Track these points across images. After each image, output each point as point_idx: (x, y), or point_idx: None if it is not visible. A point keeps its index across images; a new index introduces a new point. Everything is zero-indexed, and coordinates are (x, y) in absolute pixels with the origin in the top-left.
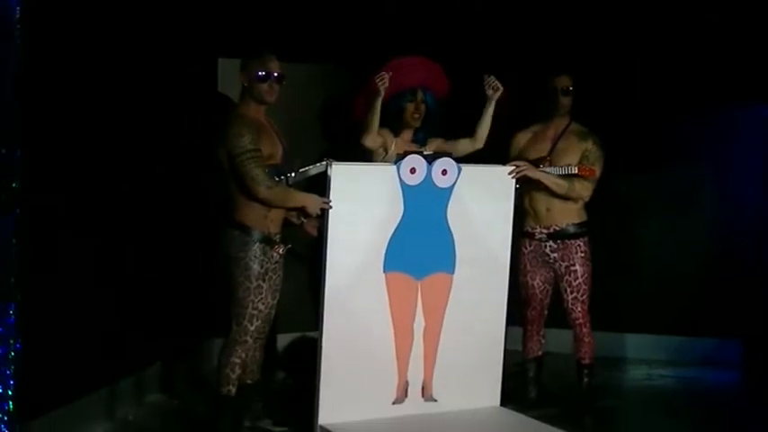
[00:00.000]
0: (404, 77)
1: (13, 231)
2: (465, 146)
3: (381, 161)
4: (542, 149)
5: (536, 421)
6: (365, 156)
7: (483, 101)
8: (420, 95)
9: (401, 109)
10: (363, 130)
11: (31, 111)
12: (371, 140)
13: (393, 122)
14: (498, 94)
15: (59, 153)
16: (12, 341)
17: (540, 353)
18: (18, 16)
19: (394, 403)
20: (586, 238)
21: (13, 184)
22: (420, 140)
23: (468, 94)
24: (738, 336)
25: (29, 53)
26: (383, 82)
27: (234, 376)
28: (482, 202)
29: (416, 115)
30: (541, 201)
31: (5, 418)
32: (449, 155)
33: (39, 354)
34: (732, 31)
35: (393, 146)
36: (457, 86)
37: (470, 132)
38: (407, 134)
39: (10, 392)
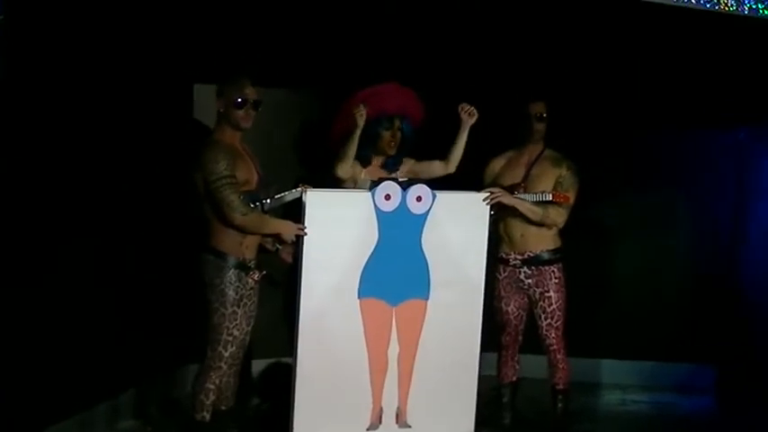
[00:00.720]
0: (382, 104)
1: None
2: (437, 168)
3: None
4: (517, 176)
5: None
6: (340, 182)
7: (456, 126)
8: (397, 123)
9: (377, 136)
10: (338, 159)
11: (6, 133)
12: (344, 170)
13: (367, 148)
14: (473, 120)
15: (32, 178)
16: None
17: (514, 378)
18: None
19: (368, 429)
20: (561, 265)
21: None
22: (390, 166)
23: (442, 120)
24: (712, 361)
25: (5, 75)
26: (361, 114)
27: (208, 402)
28: (457, 228)
29: (392, 143)
30: (516, 227)
31: None
32: (423, 181)
33: (9, 381)
34: (703, 56)
35: (362, 175)
36: (431, 112)
37: (443, 155)
38: (378, 160)
39: None
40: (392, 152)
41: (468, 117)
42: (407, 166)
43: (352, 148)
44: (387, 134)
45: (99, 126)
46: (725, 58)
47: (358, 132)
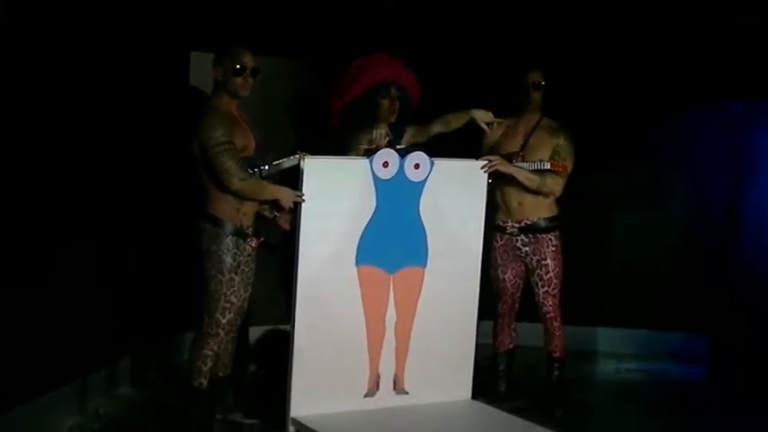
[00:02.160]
0: (372, 73)
1: None
2: (437, 127)
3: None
4: (514, 144)
5: (507, 414)
6: (338, 149)
7: (452, 97)
8: (393, 91)
9: (376, 105)
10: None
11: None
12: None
13: (368, 118)
14: (483, 127)
15: (30, 147)
16: None
17: (511, 346)
18: None
19: (366, 396)
20: (557, 233)
21: None
22: (396, 135)
23: (440, 90)
24: (705, 331)
25: None
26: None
27: (206, 369)
28: (454, 196)
29: (392, 110)
30: (513, 195)
31: None
32: (421, 148)
33: (6, 347)
34: (701, 27)
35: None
36: (428, 83)
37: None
38: (383, 129)
39: None
40: (392, 119)
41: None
42: (410, 133)
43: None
44: (385, 102)
45: (96, 94)
46: (724, 29)
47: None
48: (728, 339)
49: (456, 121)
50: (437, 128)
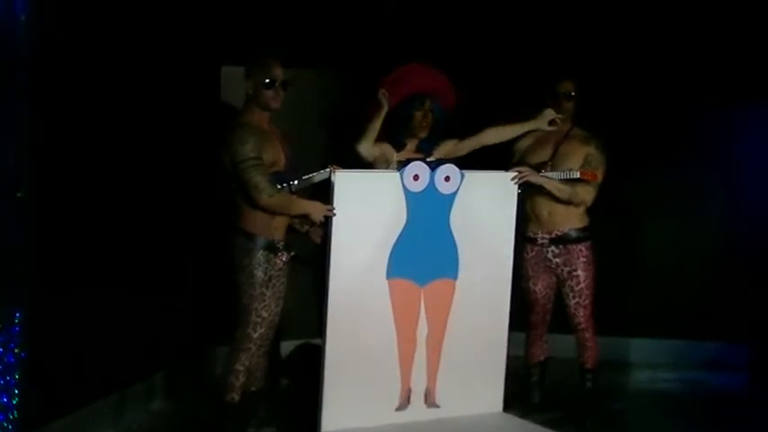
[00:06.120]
0: (411, 85)
1: (21, 238)
2: (485, 139)
3: None
4: (544, 154)
5: (539, 426)
6: (369, 163)
7: (483, 107)
8: (428, 104)
9: (409, 117)
10: (361, 137)
11: (37, 120)
12: (366, 149)
13: (400, 131)
14: (549, 129)
15: (67, 161)
16: (17, 350)
17: (543, 357)
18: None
19: (397, 410)
20: (589, 243)
21: (19, 194)
22: (426, 149)
23: (473, 101)
24: (744, 339)
25: (34, 62)
26: (385, 95)
27: (238, 383)
28: (485, 207)
29: (424, 124)
30: (544, 206)
31: (10, 427)
32: (451, 161)
33: (44, 361)
34: (734, 31)
35: (395, 158)
36: (458, 93)
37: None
38: (412, 144)
39: (15, 401)
40: (424, 134)
41: (548, 125)
42: (448, 146)
43: (376, 127)
44: (418, 114)
45: (129, 110)
46: (757, 33)
47: (383, 112)
48: None
49: (509, 132)
50: (487, 139)
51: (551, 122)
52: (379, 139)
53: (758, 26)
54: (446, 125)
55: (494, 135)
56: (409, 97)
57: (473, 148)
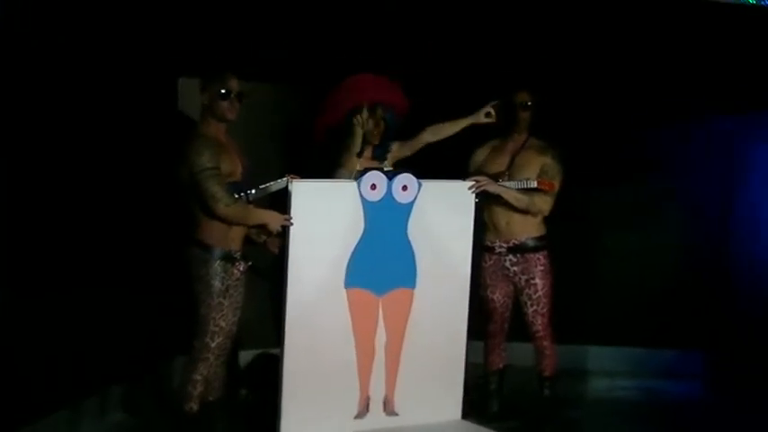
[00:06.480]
0: (361, 94)
1: None
2: (426, 137)
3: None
4: (501, 164)
5: None
6: (326, 173)
7: (438, 117)
8: (379, 112)
9: (360, 126)
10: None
11: None
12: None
13: (353, 139)
14: (486, 121)
15: (19, 174)
16: None
17: (501, 366)
18: None
19: (356, 418)
20: (546, 252)
21: None
22: (379, 156)
23: (428, 110)
24: (701, 347)
25: None
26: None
27: (196, 393)
28: (442, 216)
29: (376, 132)
30: (501, 215)
31: None
32: (408, 170)
33: None
34: (690, 45)
35: (357, 166)
36: (414, 103)
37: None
38: (368, 151)
39: None
40: (376, 141)
41: (485, 118)
42: (395, 150)
43: (357, 143)
44: (370, 122)
45: (85, 121)
46: (712, 45)
47: (359, 130)
48: (725, 355)
49: (448, 129)
50: (426, 138)
51: (487, 115)
52: (335, 148)
53: (712, 36)
54: (399, 131)
55: (433, 132)
56: (360, 106)
57: (416, 147)
